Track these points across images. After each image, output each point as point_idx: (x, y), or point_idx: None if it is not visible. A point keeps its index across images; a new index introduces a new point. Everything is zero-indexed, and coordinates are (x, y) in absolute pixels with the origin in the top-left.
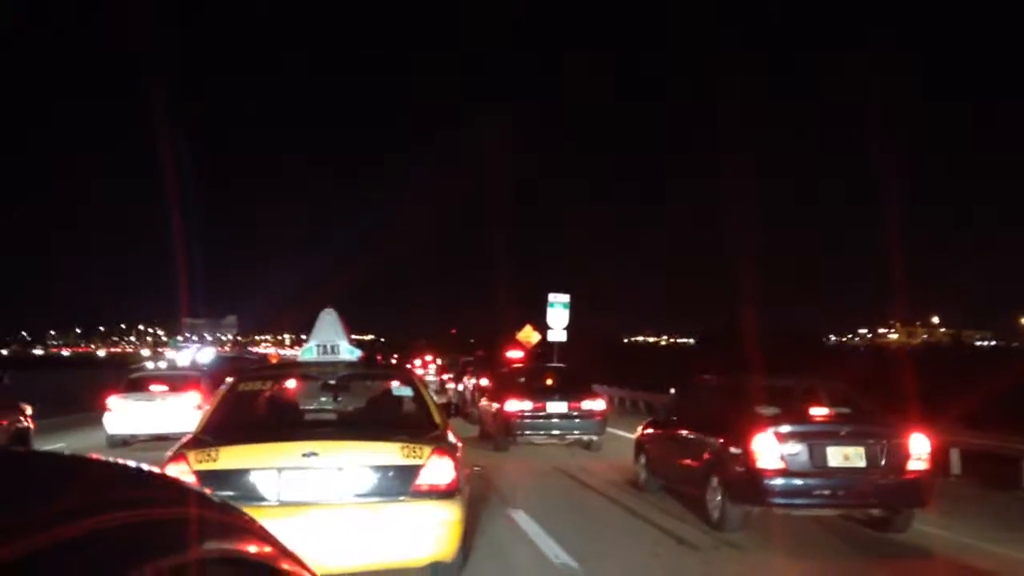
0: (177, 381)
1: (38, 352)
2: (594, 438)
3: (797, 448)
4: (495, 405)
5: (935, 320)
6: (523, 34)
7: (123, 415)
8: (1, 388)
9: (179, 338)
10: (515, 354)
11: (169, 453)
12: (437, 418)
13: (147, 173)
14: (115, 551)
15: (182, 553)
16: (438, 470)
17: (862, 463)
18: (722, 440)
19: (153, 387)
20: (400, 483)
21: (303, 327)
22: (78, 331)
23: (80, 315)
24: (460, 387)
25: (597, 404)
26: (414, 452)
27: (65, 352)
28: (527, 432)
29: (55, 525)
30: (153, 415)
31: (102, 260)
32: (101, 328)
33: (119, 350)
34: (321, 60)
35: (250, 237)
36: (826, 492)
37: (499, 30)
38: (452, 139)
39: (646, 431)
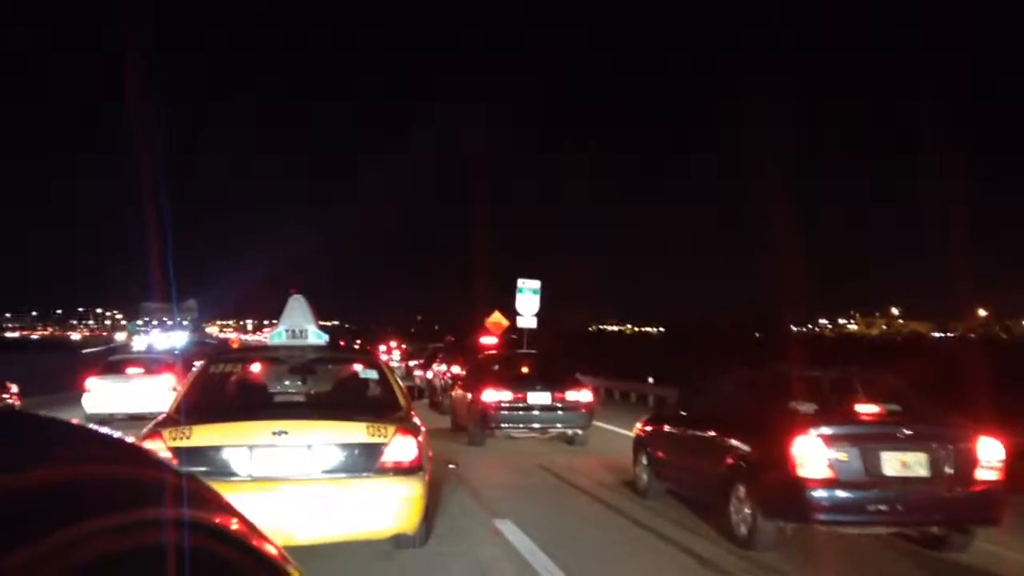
0: (152, 364)
1: (7, 335)
2: (579, 432)
3: (846, 453)
4: (470, 395)
5: (894, 311)
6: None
7: (101, 395)
8: None
9: (139, 322)
10: (488, 340)
11: (144, 431)
12: (401, 400)
13: (107, 147)
14: (70, 499)
15: (147, 510)
16: (402, 448)
17: (924, 472)
18: (752, 442)
19: (130, 369)
20: (365, 460)
21: (266, 313)
22: (33, 314)
23: (32, 297)
24: (429, 375)
25: (583, 395)
26: (379, 431)
27: (34, 336)
28: (505, 425)
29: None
30: (129, 396)
31: (56, 239)
32: (58, 311)
33: (88, 333)
34: (294, 35)
35: (213, 219)
36: (881, 506)
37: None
38: (426, 119)
39: (648, 428)
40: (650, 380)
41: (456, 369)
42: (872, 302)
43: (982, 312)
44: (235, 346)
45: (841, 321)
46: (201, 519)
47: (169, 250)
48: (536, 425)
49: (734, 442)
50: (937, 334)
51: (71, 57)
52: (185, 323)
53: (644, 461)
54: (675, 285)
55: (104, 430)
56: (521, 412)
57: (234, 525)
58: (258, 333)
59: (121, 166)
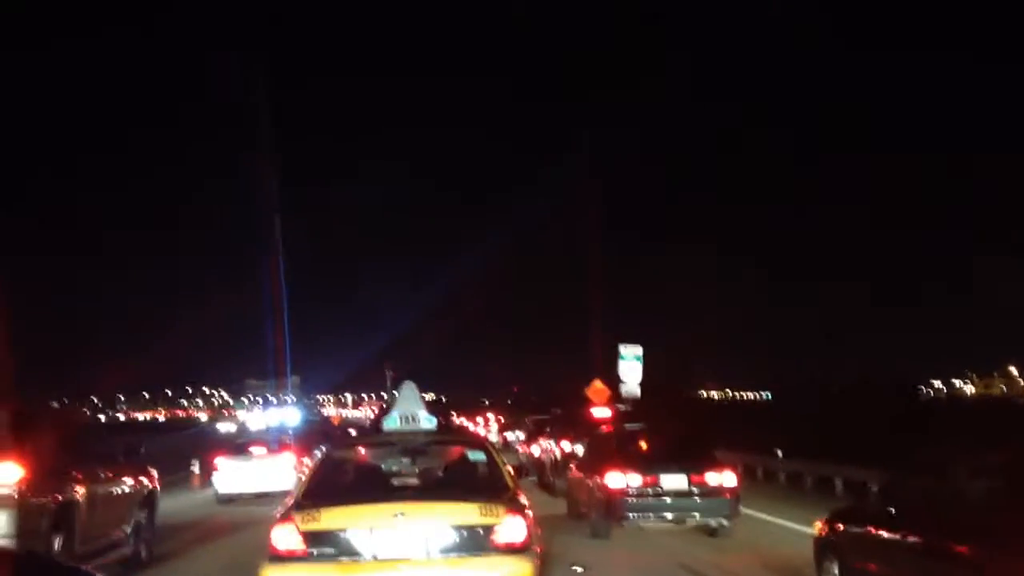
0: (273, 444)
1: (120, 417)
2: (724, 523)
3: None
4: (591, 477)
5: (1012, 370)
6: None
7: (229, 475)
8: (138, 457)
9: (244, 400)
10: (601, 412)
11: (277, 514)
12: (509, 481)
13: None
14: None
15: None
16: (512, 528)
17: None
18: None
19: (253, 449)
20: (478, 540)
21: (364, 386)
22: (145, 396)
23: (137, 379)
24: (536, 450)
25: (726, 477)
26: (490, 512)
27: (160, 417)
28: (634, 514)
29: None
30: (255, 475)
31: (161, 322)
32: (168, 392)
33: (209, 413)
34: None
35: (311, 293)
36: None
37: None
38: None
39: (842, 527)
40: (779, 453)
41: (567, 445)
42: (983, 360)
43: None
44: (336, 423)
45: (955, 381)
46: None
47: (285, 329)
48: (671, 514)
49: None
50: None
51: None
52: (289, 400)
53: (835, 570)
54: (767, 346)
55: None
56: (653, 498)
57: None
58: (357, 408)
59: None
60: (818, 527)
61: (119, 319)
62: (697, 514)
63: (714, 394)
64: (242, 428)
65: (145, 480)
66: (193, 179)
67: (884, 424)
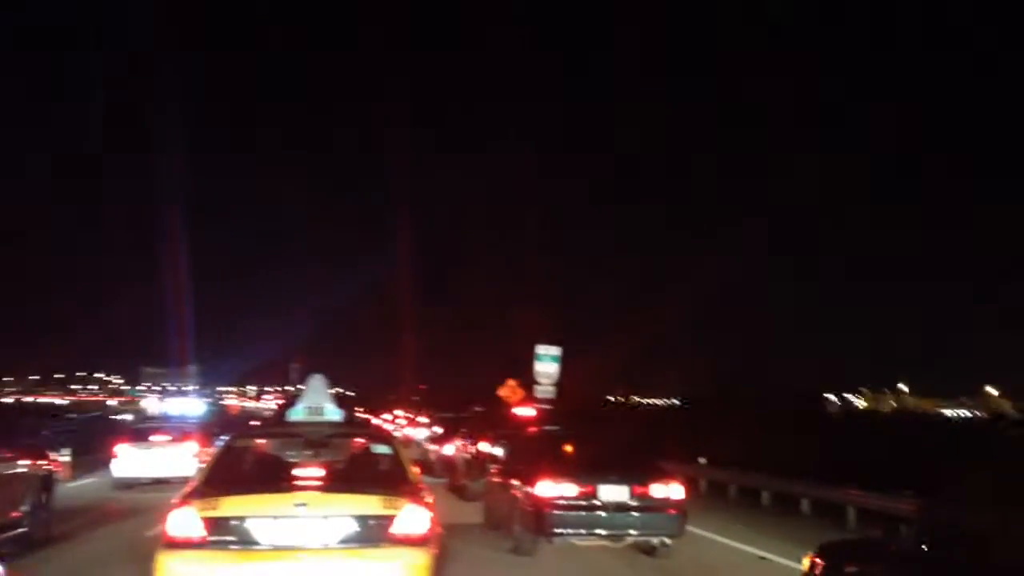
0: (175, 432)
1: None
2: (667, 541)
3: None
4: (517, 485)
5: (902, 387)
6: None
7: (129, 461)
8: (39, 436)
9: (139, 388)
10: (526, 411)
11: (175, 500)
12: (411, 475)
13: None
14: None
15: None
16: (412, 520)
17: None
18: None
19: (155, 437)
20: (379, 531)
21: (267, 379)
22: (34, 378)
23: (23, 361)
24: (449, 450)
25: (673, 490)
26: (391, 504)
27: (60, 400)
28: (567, 530)
29: None
30: (155, 462)
31: (59, 308)
32: (58, 376)
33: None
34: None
35: (214, 284)
36: None
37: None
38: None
39: (854, 566)
40: (701, 461)
41: (486, 446)
42: (876, 377)
43: (992, 390)
44: (234, 413)
45: (847, 396)
46: None
47: (189, 318)
48: (608, 531)
49: None
50: (950, 412)
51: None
52: (189, 389)
53: None
54: (666, 356)
55: None
56: (589, 511)
57: None
58: (259, 400)
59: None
60: (808, 563)
61: (13, 306)
62: (637, 531)
63: (634, 399)
64: (142, 415)
65: (43, 462)
66: (90, 163)
67: (791, 433)
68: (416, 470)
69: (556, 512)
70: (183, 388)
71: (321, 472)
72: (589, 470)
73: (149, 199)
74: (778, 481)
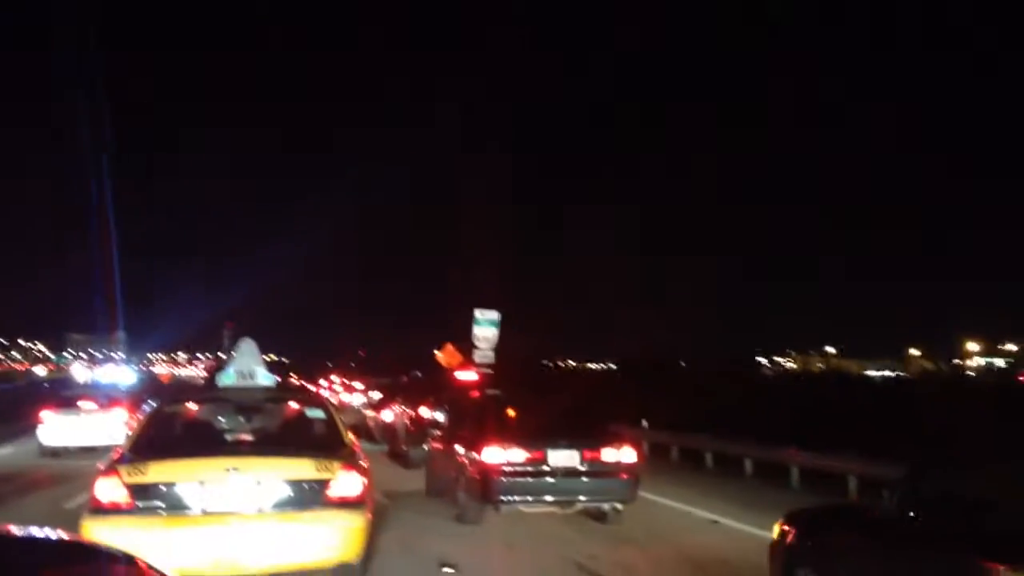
0: (104, 399)
1: None
2: (617, 507)
3: None
4: (462, 451)
5: (830, 349)
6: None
7: (55, 428)
8: None
9: (65, 355)
10: (467, 375)
11: (101, 466)
12: (346, 438)
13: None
14: None
15: None
16: (347, 483)
17: None
18: None
19: (82, 403)
20: (313, 495)
21: (200, 346)
22: None
23: None
24: (388, 416)
25: (625, 454)
26: (326, 467)
27: None
28: (515, 497)
29: None
30: (83, 429)
31: None
32: None
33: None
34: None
35: (143, 247)
36: None
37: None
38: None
39: (828, 532)
40: (644, 424)
41: (426, 411)
42: (805, 340)
43: (914, 351)
44: (166, 381)
45: (778, 359)
46: None
47: (94, 276)
48: (557, 497)
49: None
50: (875, 372)
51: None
52: (119, 356)
53: None
54: (597, 320)
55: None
56: (536, 478)
57: None
58: (190, 366)
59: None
60: (779, 530)
61: None
62: (588, 497)
63: (570, 363)
64: (68, 381)
65: None
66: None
67: (735, 396)
68: (351, 435)
69: (503, 479)
70: (111, 354)
71: (252, 438)
72: (537, 435)
73: (76, 165)
74: (720, 443)
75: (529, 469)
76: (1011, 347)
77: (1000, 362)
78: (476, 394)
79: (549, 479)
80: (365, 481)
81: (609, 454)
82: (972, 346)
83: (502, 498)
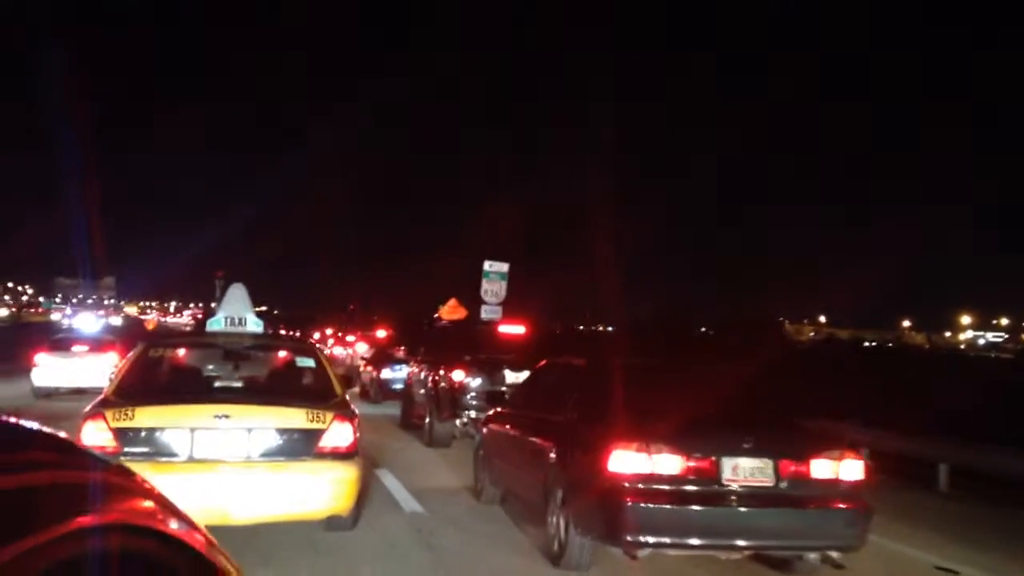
0: (97, 342)
1: None
2: (834, 555)
3: None
4: (564, 451)
5: (821, 319)
6: None
7: (49, 370)
8: None
9: (54, 300)
10: (511, 329)
11: (87, 409)
12: (337, 388)
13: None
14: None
15: (82, 517)
16: (339, 434)
17: None
18: None
19: (75, 347)
20: (304, 445)
21: (191, 294)
22: None
23: None
24: (388, 374)
25: (847, 468)
26: (318, 417)
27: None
28: (665, 536)
29: None
30: (75, 371)
31: None
32: None
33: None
34: (221, 9)
35: (136, 193)
36: None
37: None
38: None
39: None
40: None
41: (462, 376)
42: (802, 309)
43: (906, 323)
44: (150, 327)
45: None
46: (133, 520)
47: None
48: (737, 539)
49: None
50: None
51: None
52: (107, 301)
53: None
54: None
55: (39, 427)
56: (704, 504)
57: (165, 521)
58: (178, 315)
59: (34, 130)
60: None
61: None
62: (786, 538)
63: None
64: (59, 325)
65: None
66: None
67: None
68: (340, 380)
69: (643, 504)
70: (100, 300)
71: (242, 385)
72: (701, 431)
73: (64, 109)
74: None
75: (690, 489)
76: (1004, 321)
77: (991, 336)
78: (581, 360)
79: (724, 506)
80: (356, 432)
81: (822, 467)
82: (965, 319)
83: (641, 538)
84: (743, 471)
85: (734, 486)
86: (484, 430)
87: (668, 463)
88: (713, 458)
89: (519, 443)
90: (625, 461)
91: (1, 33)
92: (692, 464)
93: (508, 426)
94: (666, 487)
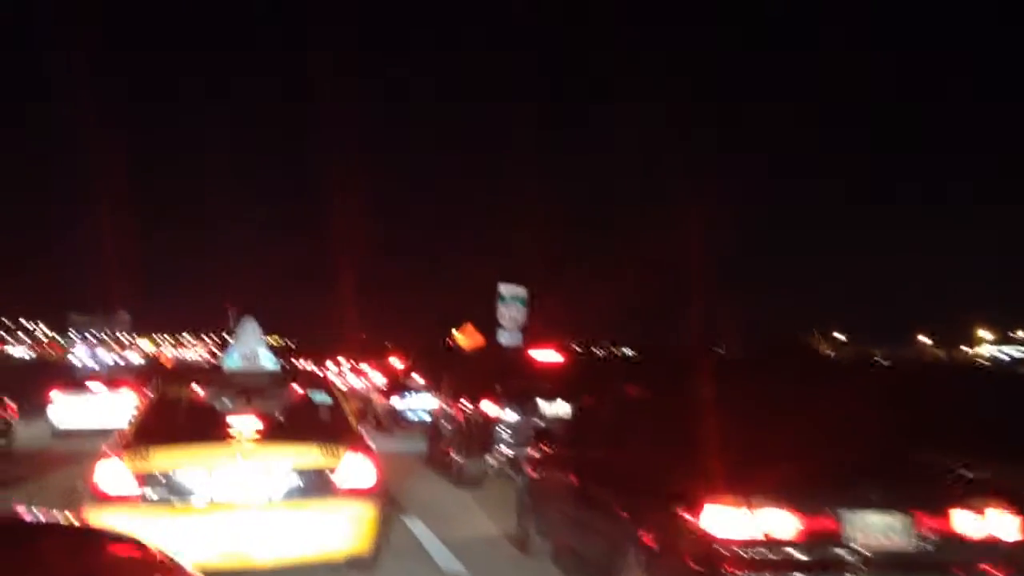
0: (112, 379)
1: None
2: None
3: None
4: (636, 502)
5: (838, 335)
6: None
7: (65, 410)
8: None
9: (82, 335)
10: (545, 356)
11: (103, 448)
12: (353, 424)
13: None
14: None
15: None
16: (357, 472)
17: None
18: None
19: (91, 384)
20: (321, 483)
21: (204, 325)
22: None
23: None
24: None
25: (1002, 523)
26: (333, 454)
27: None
28: None
29: None
30: (92, 410)
31: None
32: None
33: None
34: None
35: (149, 227)
36: None
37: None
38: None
39: None
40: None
41: (495, 409)
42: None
43: (924, 338)
44: (168, 365)
45: None
46: None
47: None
48: None
49: None
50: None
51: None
52: (122, 335)
53: None
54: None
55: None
56: (824, 572)
57: None
58: (192, 348)
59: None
60: None
61: None
62: None
63: (596, 351)
64: (73, 363)
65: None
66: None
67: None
68: (354, 417)
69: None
70: (114, 335)
71: (258, 422)
72: (814, 480)
73: (73, 143)
74: None
75: (803, 555)
76: (1021, 333)
77: (1015, 351)
78: (649, 393)
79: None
80: (376, 468)
81: (970, 522)
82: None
83: None
84: (872, 527)
85: (861, 546)
86: (531, 472)
87: (775, 520)
88: (831, 513)
89: (577, 490)
90: (720, 518)
91: (14, 87)
92: (806, 520)
93: (561, 469)
94: (775, 552)
